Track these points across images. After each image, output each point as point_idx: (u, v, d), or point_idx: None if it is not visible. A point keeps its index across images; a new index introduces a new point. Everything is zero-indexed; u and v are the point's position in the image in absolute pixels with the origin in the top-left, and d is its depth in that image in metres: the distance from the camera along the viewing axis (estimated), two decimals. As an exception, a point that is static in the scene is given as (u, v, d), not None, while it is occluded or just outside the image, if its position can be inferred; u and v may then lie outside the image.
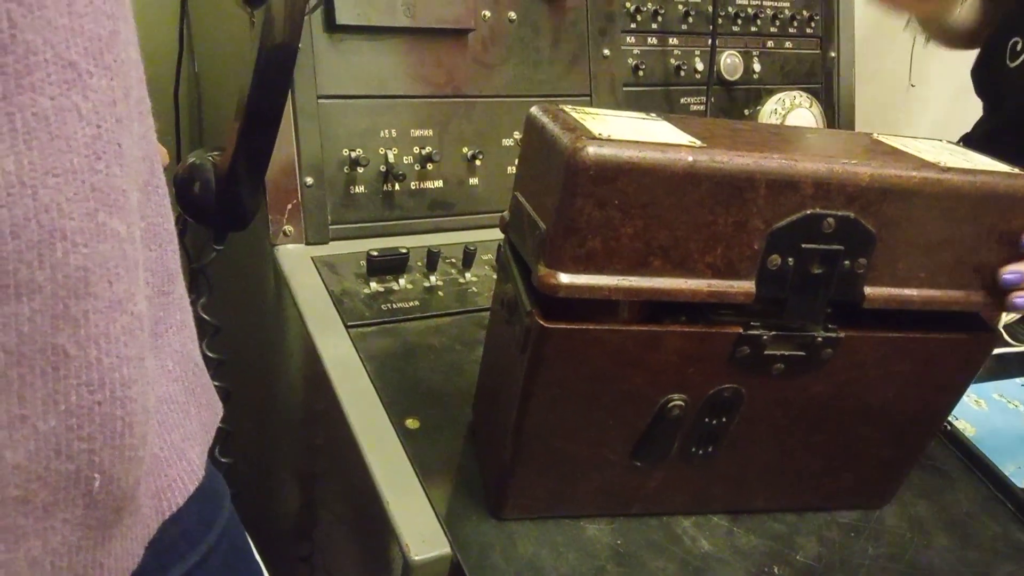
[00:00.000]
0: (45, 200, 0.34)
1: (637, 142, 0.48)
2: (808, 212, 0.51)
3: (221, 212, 0.74)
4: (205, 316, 0.86)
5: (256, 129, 0.70)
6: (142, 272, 0.41)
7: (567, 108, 0.54)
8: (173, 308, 0.50)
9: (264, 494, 1.05)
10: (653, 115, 0.57)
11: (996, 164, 0.57)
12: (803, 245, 0.52)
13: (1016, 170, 0.56)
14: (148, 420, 0.42)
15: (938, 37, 1.16)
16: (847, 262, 0.53)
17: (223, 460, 0.92)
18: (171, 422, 0.50)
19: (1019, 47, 1.05)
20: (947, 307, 0.57)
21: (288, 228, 0.87)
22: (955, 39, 1.13)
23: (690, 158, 0.48)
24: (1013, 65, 1.04)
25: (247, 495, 0.88)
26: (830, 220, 0.52)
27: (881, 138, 0.62)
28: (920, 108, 1.41)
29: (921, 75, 1.40)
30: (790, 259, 0.52)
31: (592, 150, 0.46)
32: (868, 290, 0.55)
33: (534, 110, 0.54)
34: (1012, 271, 0.56)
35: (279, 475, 1.02)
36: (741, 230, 0.51)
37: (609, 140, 0.47)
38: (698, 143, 0.50)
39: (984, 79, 1.10)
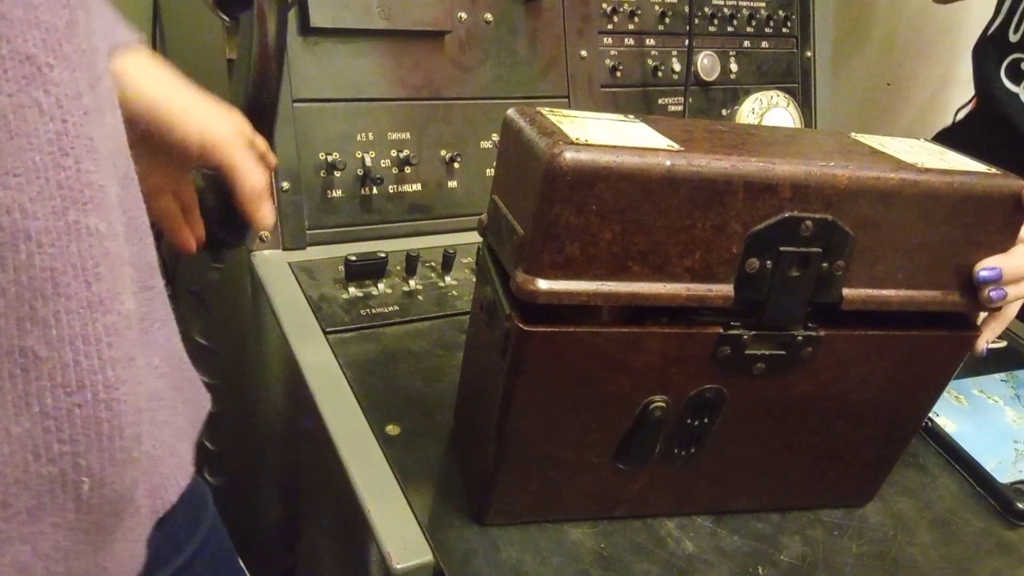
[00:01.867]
0: (6, 202, 0.33)
1: (615, 147, 0.48)
2: (786, 215, 0.51)
3: (229, 227, 0.71)
4: (201, 340, 0.85)
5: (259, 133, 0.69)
6: (127, 269, 0.40)
7: (544, 111, 0.54)
8: (156, 303, 0.49)
9: (245, 506, 1.04)
10: (631, 117, 0.57)
11: (973, 164, 0.57)
12: (781, 248, 0.52)
13: (993, 169, 0.56)
14: (141, 420, 0.41)
15: None
16: (825, 264, 0.53)
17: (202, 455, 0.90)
18: (161, 419, 0.49)
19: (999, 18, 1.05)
20: (925, 307, 0.57)
21: (265, 234, 0.86)
22: None
23: (668, 163, 0.48)
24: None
25: (227, 507, 0.87)
26: (808, 223, 0.52)
27: (859, 138, 0.62)
28: (897, 107, 1.42)
29: (897, 74, 1.41)
30: (768, 262, 0.52)
31: (569, 155, 0.46)
32: (847, 292, 0.55)
33: (511, 113, 0.54)
34: (988, 267, 0.56)
35: (260, 486, 1.01)
36: (719, 234, 0.50)
37: (587, 145, 0.47)
38: (676, 147, 0.49)
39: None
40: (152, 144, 0.55)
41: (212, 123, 0.57)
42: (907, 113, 1.38)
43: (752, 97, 1.16)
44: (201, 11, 0.76)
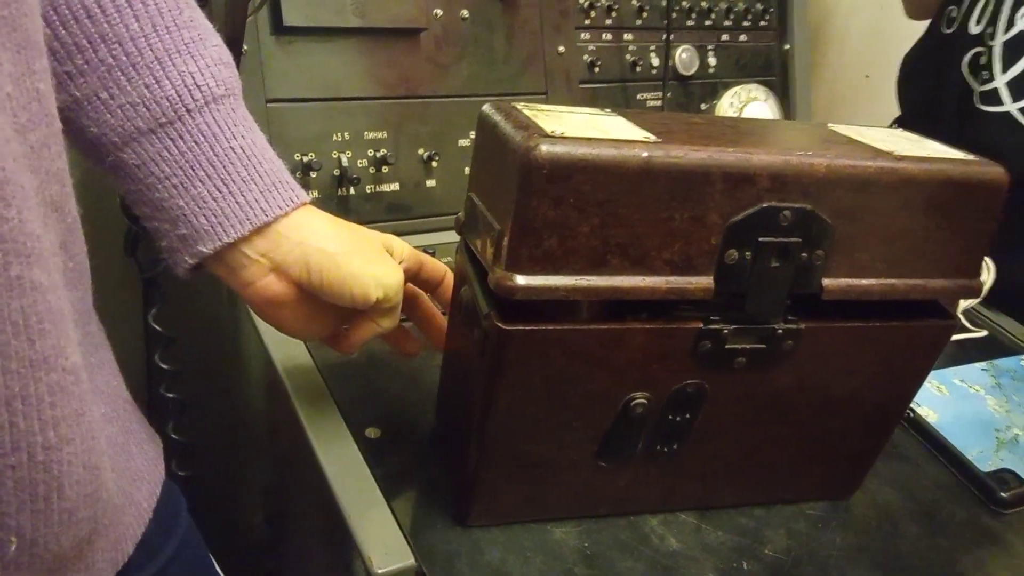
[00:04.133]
0: None
1: (591, 139, 0.47)
2: (765, 205, 0.51)
3: None
4: (157, 327, 0.84)
5: None
6: (69, 321, 0.38)
7: (519, 105, 0.53)
8: (92, 347, 0.47)
9: (227, 509, 1.03)
10: (608, 110, 0.56)
11: (950, 151, 0.57)
12: (760, 239, 0.51)
13: (970, 156, 0.56)
14: (95, 479, 0.39)
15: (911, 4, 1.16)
16: (805, 254, 0.53)
17: (181, 473, 0.90)
18: (119, 467, 0.48)
19: (953, 14, 1.05)
20: (906, 296, 0.57)
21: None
22: (924, 8, 1.13)
23: (645, 154, 0.47)
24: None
25: (208, 510, 0.86)
26: (787, 213, 0.51)
27: (837, 128, 0.62)
28: (875, 99, 1.42)
29: (876, 66, 1.42)
30: (747, 253, 0.52)
31: (545, 148, 0.45)
32: (827, 282, 0.54)
33: (486, 108, 0.53)
34: None
35: (242, 489, 1.00)
36: (698, 225, 0.50)
37: (562, 138, 0.46)
38: (653, 138, 0.49)
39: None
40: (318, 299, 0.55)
41: (383, 278, 0.56)
42: (886, 106, 1.38)
43: (731, 91, 1.16)
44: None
